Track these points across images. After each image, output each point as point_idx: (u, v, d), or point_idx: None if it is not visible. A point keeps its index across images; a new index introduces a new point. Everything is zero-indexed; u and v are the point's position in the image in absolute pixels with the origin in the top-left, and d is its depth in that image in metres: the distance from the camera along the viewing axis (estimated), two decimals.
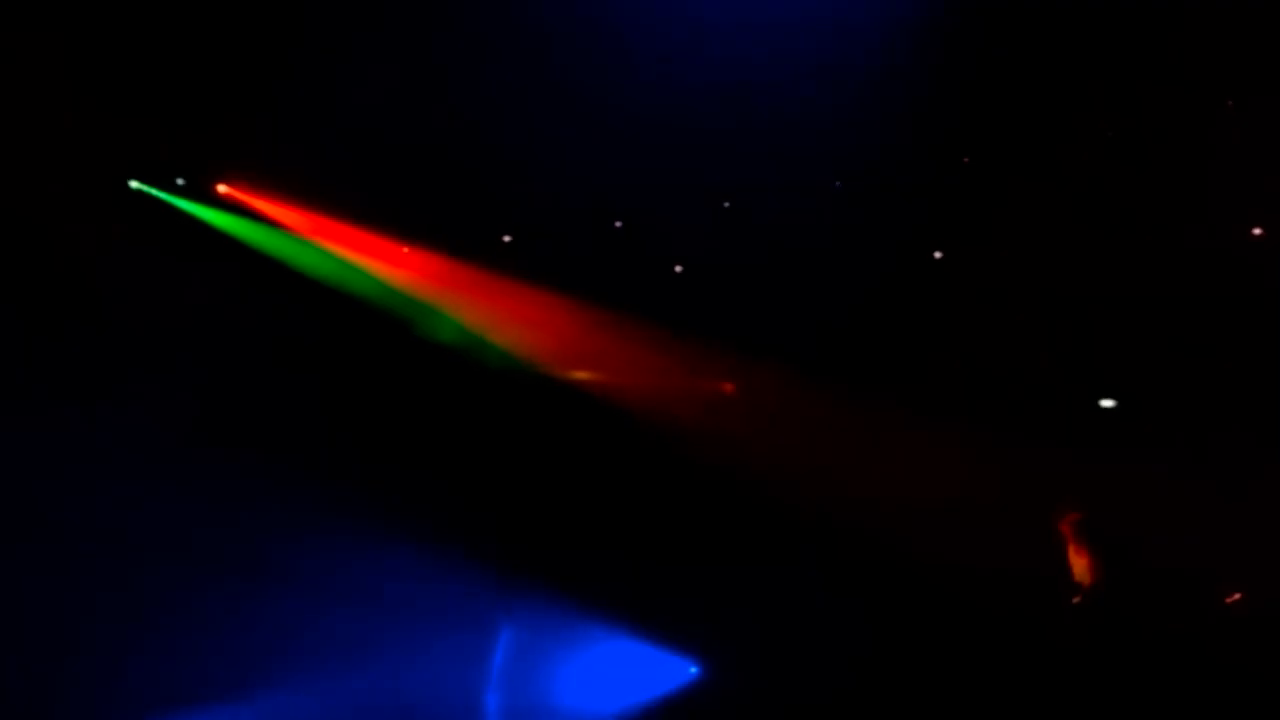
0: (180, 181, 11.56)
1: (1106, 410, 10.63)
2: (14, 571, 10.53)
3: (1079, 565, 9.60)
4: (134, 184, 11.46)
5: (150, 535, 10.84)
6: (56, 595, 10.69)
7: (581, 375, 11.73)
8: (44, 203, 10.85)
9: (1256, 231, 10.14)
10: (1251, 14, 9.66)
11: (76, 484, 10.76)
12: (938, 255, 11.08)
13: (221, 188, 11.64)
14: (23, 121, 10.73)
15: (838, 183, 11.15)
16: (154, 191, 11.47)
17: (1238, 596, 9.79)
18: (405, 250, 11.73)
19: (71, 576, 10.74)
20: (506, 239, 11.72)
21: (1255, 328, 9.95)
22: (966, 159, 10.74)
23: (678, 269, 11.59)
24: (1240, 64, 9.92)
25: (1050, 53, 10.22)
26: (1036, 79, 10.37)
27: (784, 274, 11.04)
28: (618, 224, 11.62)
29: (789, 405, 11.11)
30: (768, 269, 11.05)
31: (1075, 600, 9.53)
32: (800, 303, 10.94)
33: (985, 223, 10.71)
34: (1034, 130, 10.51)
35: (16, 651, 10.55)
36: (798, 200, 10.93)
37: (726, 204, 11.34)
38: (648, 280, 11.37)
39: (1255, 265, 9.98)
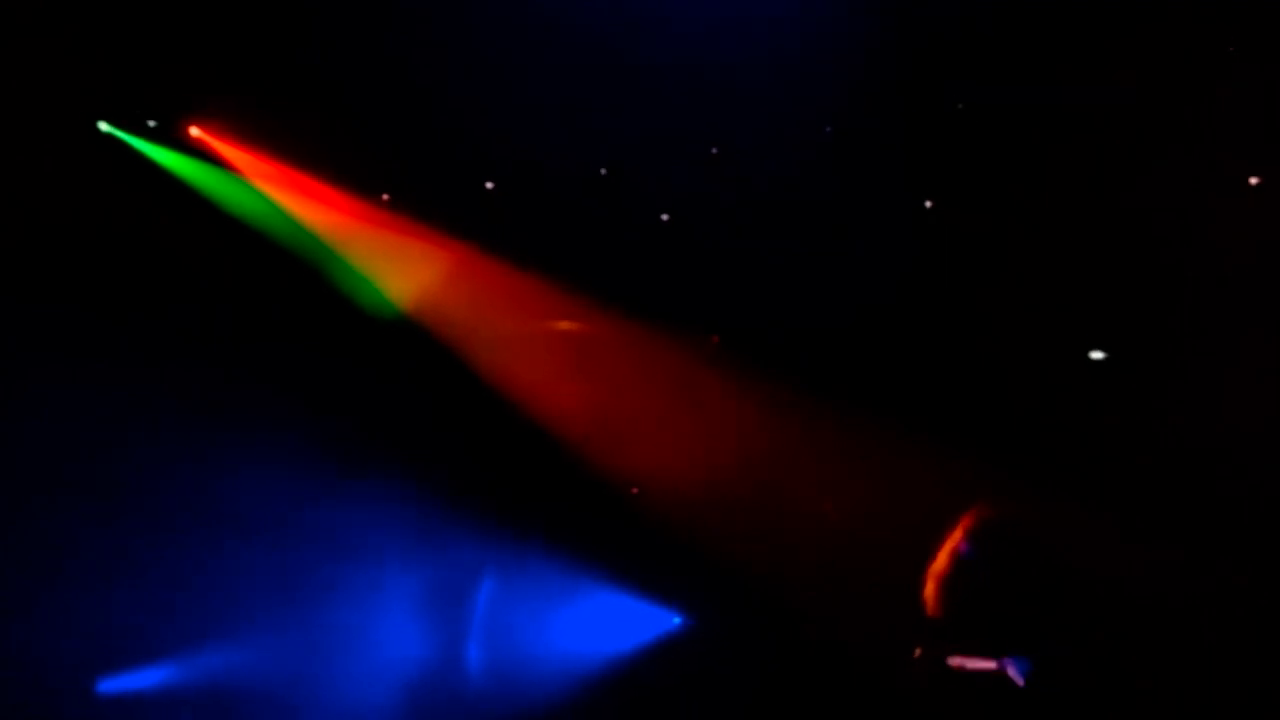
0: (151, 124, 11.20)
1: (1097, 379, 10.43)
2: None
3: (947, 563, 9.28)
4: (103, 126, 11.12)
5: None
6: (44, 574, 10.71)
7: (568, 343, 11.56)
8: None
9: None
10: (1253, 11, 9.39)
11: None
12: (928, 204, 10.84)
13: (194, 131, 11.27)
14: None
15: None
16: (123, 135, 11.12)
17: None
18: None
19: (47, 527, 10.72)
20: (489, 185, 11.42)
21: (1256, 326, 9.75)
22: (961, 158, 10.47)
23: (664, 216, 11.35)
24: (1242, 61, 9.64)
25: (1050, 49, 9.92)
26: (1037, 75, 10.09)
27: (772, 266, 10.82)
28: (603, 171, 11.33)
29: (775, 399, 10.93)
30: (754, 261, 10.84)
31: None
32: (786, 296, 10.76)
33: (982, 222, 10.48)
34: (1035, 125, 10.22)
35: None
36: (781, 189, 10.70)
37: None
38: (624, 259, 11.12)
39: (1256, 264, 9.76)
